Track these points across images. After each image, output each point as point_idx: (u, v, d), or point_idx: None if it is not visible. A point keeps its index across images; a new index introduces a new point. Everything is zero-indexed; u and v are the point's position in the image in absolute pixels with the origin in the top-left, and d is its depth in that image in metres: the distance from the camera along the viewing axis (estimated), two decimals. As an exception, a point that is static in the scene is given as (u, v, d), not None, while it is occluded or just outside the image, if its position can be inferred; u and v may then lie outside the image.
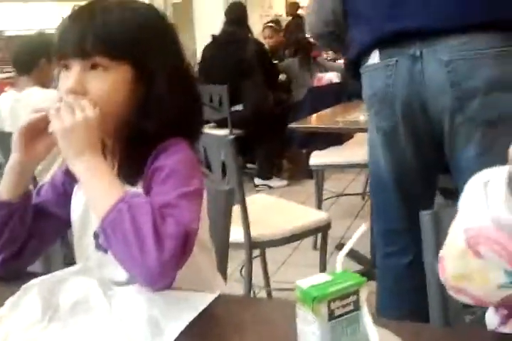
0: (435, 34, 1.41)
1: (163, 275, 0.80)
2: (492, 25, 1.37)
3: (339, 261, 0.67)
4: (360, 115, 2.68)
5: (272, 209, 2.34)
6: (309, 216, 2.22)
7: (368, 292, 0.64)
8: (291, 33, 5.45)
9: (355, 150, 3.11)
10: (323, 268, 2.20)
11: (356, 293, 0.64)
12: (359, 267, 2.78)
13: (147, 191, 0.88)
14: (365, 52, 1.55)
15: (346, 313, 0.63)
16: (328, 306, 0.62)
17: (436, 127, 1.49)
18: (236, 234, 1.98)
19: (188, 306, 0.80)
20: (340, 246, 3.10)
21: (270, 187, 4.39)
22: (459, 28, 1.39)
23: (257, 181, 4.41)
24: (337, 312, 0.62)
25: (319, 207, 3.39)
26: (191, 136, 0.96)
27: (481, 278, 0.64)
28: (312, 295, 0.62)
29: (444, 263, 0.70)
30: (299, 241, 2.41)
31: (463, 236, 0.64)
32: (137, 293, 0.82)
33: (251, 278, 2.03)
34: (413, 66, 1.45)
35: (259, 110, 4.25)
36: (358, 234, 0.68)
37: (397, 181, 1.59)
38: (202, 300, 0.82)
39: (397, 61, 1.47)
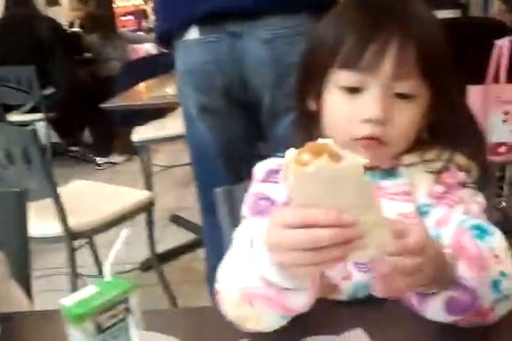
0: (256, 13, 1.42)
1: None
2: (309, 5, 1.41)
3: (107, 268, 0.64)
4: (168, 89, 2.64)
5: (92, 194, 2.25)
6: (132, 196, 2.18)
7: (138, 298, 0.63)
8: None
9: (179, 122, 3.08)
10: (152, 248, 2.19)
11: (125, 300, 0.62)
12: (192, 236, 2.82)
13: None
14: (182, 27, 1.51)
15: (116, 323, 0.61)
16: (95, 320, 0.59)
17: (256, 101, 1.54)
18: (56, 227, 1.90)
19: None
20: (173, 218, 3.11)
21: (114, 163, 4.29)
22: (279, 8, 1.42)
23: (99, 160, 4.29)
24: (105, 325, 0.60)
25: (148, 182, 3.36)
26: None
27: (257, 322, 0.68)
28: (76, 313, 0.59)
29: (222, 301, 0.71)
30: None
31: (236, 290, 0.67)
32: None
33: (75, 271, 1.96)
34: (234, 43, 1.46)
35: (71, 90, 4.05)
36: (122, 239, 0.66)
37: (220, 151, 1.62)
38: None
39: (217, 38, 1.46)
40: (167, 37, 1.58)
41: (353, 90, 0.73)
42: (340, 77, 0.73)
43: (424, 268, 0.57)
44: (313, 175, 0.49)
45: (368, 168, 0.77)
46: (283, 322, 0.68)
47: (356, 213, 0.52)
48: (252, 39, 1.45)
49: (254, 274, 0.63)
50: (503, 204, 2.54)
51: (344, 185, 0.50)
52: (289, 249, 0.54)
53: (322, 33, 0.76)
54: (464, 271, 0.63)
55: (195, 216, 2.89)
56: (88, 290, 0.62)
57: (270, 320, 0.67)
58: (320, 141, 0.52)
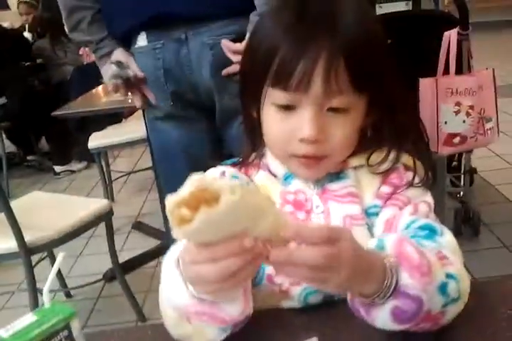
0: (199, 18, 1.42)
1: None
2: (251, 9, 1.40)
3: (45, 295, 0.62)
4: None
5: (49, 206, 2.20)
6: (90, 206, 2.13)
7: (78, 325, 0.60)
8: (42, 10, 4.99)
9: (137, 127, 3.04)
10: (114, 258, 2.15)
11: (66, 327, 0.60)
12: (156, 242, 2.79)
13: None
14: (132, 34, 1.51)
15: (59, 351, 0.59)
16: (33, 352, 0.57)
17: (207, 104, 1.54)
18: (12, 242, 1.84)
19: None
20: (136, 225, 3.06)
21: (72, 171, 4.21)
22: (221, 13, 1.42)
23: (57, 169, 4.19)
24: (46, 354, 0.58)
25: (108, 189, 3.31)
26: None
27: (199, 337, 0.67)
28: (11, 345, 0.56)
29: (164, 321, 0.70)
30: (94, 229, 2.33)
31: (171, 309, 0.67)
32: None
33: (35, 287, 1.91)
34: (180, 49, 1.46)
35: (24, 98, 3.94)
36: (59, 261, 0.63)
37: (183, 151, 1.62)
38: None
39: (163, 44, 1.47)
40: (125, 41, 1.57)
41: (287, 108, 0.72)
42: (273, 95, 0.72)
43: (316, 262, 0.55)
44: (198, 229, 0.50)
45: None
46: (227, 333, 0.67)
47: (253, 229, 0.53)
48: (196, 45, 1.45)
49: (184, 292, 0.63)
50: (461, 193, 2.58)
51: (231, 219, 0.51)
52: (206, 282, 0.56)
53: (255, 43, 0.74)
54: (406, 279, 0.62)
55: (158, 221, 2.87)
56: (26, 319, 0.60)
57: (213, 334, 0.66)
58: (193, 186, 0.51)
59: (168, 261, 0.67)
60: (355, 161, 0.79)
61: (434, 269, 0.64)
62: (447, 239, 0.72)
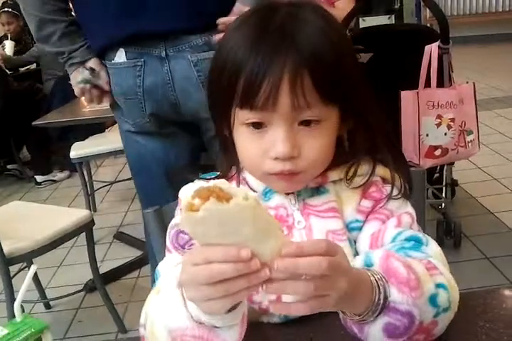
0: (177, 34, 1.40)
1: None
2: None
3: (17, 308, 0.61)
4: (104, 104, 2.58)
5: (29, 216, 2.17)
6: (70, 216, 2.11)
7: (51, 339, 0.59)
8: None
9: (119, 137, 3.01)
10: (95, 268, 2.13)
11: (38, 340, 0.59)
12: (138, 252, 2.77)
13: None
14: (108, 49, 1.48)
15: (30, 366, 0.58)
16: (4, 366, 0.56)
17: (194, 121, 1.53)
18: (-11, 252, 1.82)
19: None
20: (118, 236, 3.04)
21: (54, 181, 4.17)
22: (200, 27, 1.40)
23: (39, 178, 4.14)
24: (17, 369, 0.57)
25: (89, 199, 3.28)
26: None
27: None
28: (-18, 359, 0.55)
29: None
30: (74, 239, 2.31)
31: (165, 334, 0.64)
32: None
33: (13, 297, 1.87)
34: (161, 67, 1.44)
35: (7, 106, 3.89)
36: (31, 274, 0.62)
37: (159, 165, 1.61)
38: None
39: (144, 61, 1.44)
40: (100, 56, 1.55)
41: (257, 125, 0.70)
42: (242, 116, 0.71)
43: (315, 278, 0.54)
44: (202, 219, 0.51)
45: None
46: None
47: (255, 245, 0.53)
48: (178, 63, 1.43)
49: (183, 314, 0.61)
50: (443, 205, 2.60)
51: (237, 223, 0.52)
52: (197, 284, 0.55)
53: (220, 63, 0.72)
54: (395, 294, 0.62)
55: (140, 232, 2.85)
56: (-3, 333, 0.59)
57: None
58: (211, 183, 0.53)
59: (168, 280, 0.66)
60: (334, 175, 0.78)
61: (423, 281, 0.64)
62: (433, 248, 0.73)
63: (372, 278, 0.62)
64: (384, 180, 0.80)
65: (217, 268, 0.53)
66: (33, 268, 0.62)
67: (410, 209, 0.79)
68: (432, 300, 0.64)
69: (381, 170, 0.79)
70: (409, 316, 0.62)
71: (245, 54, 0.68)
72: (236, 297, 0.54)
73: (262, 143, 0.71)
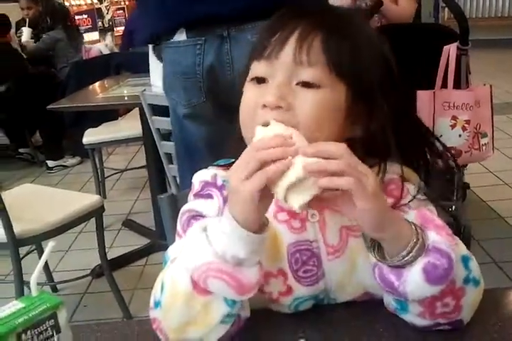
0: (243, 17, 1.40)
1: None
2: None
3: (33, 284, 0.62)
4: (124, 89, 2.60)
5: (40, 199, 2.19)
6: (81, 201, 2.12)
7: (66, 314, 0.60)
8: (47, 0, 4.98)
9: (132, 124, 3.04)
10: (102, 254, 2.14)
11: (53, 317, 0.60)
12: (146, 240, 2.79)
13: None
14: (170, 30, 1.49)
15: (44, 340, 0.59)
16: (19, 339, 0.57)
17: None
18: (1, 233, 1.83)
19: None
20: (126, 223, 3.06)
21: (65, 166, 4.19)
22: (266, 13, 1.41)
23: (50, 163, 4.16)
24: (31, 343, 0.58)
25: (100, 186, 3.29)
26: None
27: (204, 318, 0.67)
28: (-2, 331, 0.56)
29: (161, 323, 0.69)
30: (84, 224, 2.33)
31: (187, 277, 0.66)
32: None
33: (21, 279, 1.90)
34: (221, 45, 1.44)
35: (23, 89, 3.91)
36: (48, 250, 0.63)
37: (209, 151, 1.59)
38: None
39: (205, 40, 1.44)
40: (156, 38, 1.56)
41: (261, 80, 0.74)
42: (252, 69, 0.75)
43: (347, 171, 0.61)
44: None
45: None
46: (226, 322, 0.67)
47: None
48: (239, 42, 1.42)
49: (208, 252, 0.64)
50: (453, 207, 2.59)
51: None
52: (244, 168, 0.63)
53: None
54: (433, 236, 0.65)
55: (148, 220, 2.87)
56: (12, 306, 0.60)
57: (218, 310, 0.66)
58: None
59: (194, 230, 0.69)
60: None
61: (456, 239, 0.67)
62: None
63: (408, 222, 0.67)
64: (403, 179, 0.77)
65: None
66: (50, 245, 0.62)
67: (432, 207, 0.78)
68: (464, 260, 0.67)
69: (398, 169, 0.77)
70: (447, 257, 0.64)
71: (272, 21, 0.76)
72: (271, 177, 0.61)
73: (257, 93, 0.73)
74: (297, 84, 0.71)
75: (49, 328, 0.59)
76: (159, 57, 1.65)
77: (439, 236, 0.65)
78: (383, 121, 0.74)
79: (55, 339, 0.59)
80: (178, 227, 0.81)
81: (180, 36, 1.47)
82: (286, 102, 0.70)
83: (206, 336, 0.68)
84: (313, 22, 0.72)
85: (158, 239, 2.65)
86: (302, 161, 0.61)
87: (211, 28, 1.43)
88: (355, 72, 0.72)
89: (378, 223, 0.64)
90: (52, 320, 0.60)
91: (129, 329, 0.78)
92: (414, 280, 0.64)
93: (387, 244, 0.66)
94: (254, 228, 0.64)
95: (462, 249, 0.68)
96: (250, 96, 0.75)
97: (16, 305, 0.60)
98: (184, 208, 0.81)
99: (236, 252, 0.64)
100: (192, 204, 0.81)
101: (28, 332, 0.58)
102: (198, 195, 0.81)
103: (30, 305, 0.60)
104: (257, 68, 0.74)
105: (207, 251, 0.65)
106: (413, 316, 0.69)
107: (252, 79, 0.75)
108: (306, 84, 0.71)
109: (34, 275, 0.62)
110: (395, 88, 0.75)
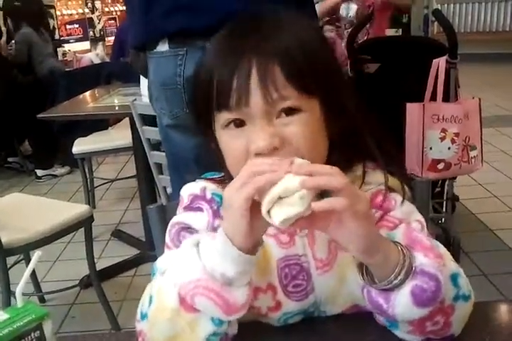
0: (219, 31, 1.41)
1: None
2: None
3: (18, 294, 0.61)
4: (115, 99, 2.60)
5: (29, 208, 2.17)
6: (70, 210, 2.11)
7: (52, 326, 0.59)
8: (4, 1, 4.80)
9: (123, 134, 3.03)
10: (92, 264, 2.12)
11: (38, 328, 0.59)
12: (135, 251, 2.77)
13: None
14: (152, 40, 1.50)
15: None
16: (4, 350, 0.56)
17: None
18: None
19: None
20: (116, 233, 3.04)
21: (54, 176, 4.16)
22: None
23: (39, 172, 4.13)
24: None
25: (89, 195, 3.28)
26: None
27: (189, 335, 0.66)
28: (-19, 343, 0.55)
29: (146, 336, 0.69)
30: (72, 234, 2.31)
31: (174, 292, 0.65)
32: None
33: (9, 289, 1.87)
34: (202, 56, 1.45)
35: (10, 96, 3.88)
36: (34, 260, 0.62)
37: (196, 161, 1.55)
38: None
39: (186, 51, 1.45)
40: (141, 48, 1.58)
41: (238, 123, 0.70)
42: (221, 118, 0.71)
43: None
44: None
45: None
46: (215, 337, 0.67)
47: None
48: None
49: (197, 268, 0.64)
50: (443, 220, 2.60)
51: None
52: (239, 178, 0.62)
53: (196, 73, 0.77)
54: (421, 258, 0.64)
55: (138, 231, 2.85)
56: (-2, 318, 0.59)
57: (203, 329, 0.66)
58: None
59: (185, 244, 0.68)
60: None
61: (445, 257, 0.66)
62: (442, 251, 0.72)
63: (395, 244, 0.66)
64: (390, 189, 0.77)
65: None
66: (36, 255, 0.62)
67: (419, 216, 0.78)
68: (454, 278, 0.66)
69: (388, 179, 0.77)
70: (435, 279, 0.63)
71: (214, 59, 0.73)
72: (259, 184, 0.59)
73: (243, 141, 0.70)
74: (278, 116, 0.69)
75: (34, 339, 0.59)
76: (137, 68, 1.67)
77: (426, 258, 0.64)
78: (352, 123, 0.74)
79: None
80: (167, 239, 0.81)
81: (163, 46, 1.49)
82: (277, 139, 0.68)
83: None
84: (264, 53, 0.68)
85: (148, 249, 2.64)
86: (292, 176, 0.59)
87: (192, 39, 1.44)
88: (321, 85, 0.71)
89: (367, 247, 0.63)
90: (38, 332, 0.59)
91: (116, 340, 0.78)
92: (402, 303, 0.64)
93: (375, 268, 0.65)
94: (247, 248, 0.63)
95: (451, 267, 0.67)
96: (236, 144, 0.71)
97: (1, 315, 0.59)
98: (173, 220, 0.81)
99: (225, 270, 0.63)
100: (181, 216, 0.80)
101: (14, 343, 0.57)
102: (187, 208, 0.80)
103: (15, 316, 0.59)
104: (228, 115, 0.70)
105: (196, 267, 0.64)
106: (403, 333, 0.69)
107: (227, 125, 0.71)
108: (286, 111, 0.69)
109: (20, 286, 0.61)
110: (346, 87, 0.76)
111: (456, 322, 0.68)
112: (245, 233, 0.62)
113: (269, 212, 0.59)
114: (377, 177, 0.77)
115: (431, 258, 0.64)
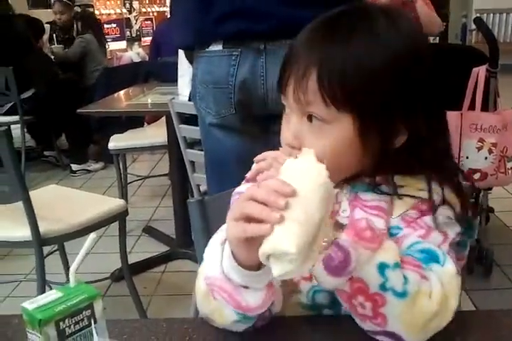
0: (280, 33, 1.39)
1: None
2: None
3: (72, 274, 0.63)
4: (152, 97, 2.64)
5: (65, 200, 2.22)
6: (105, 204, 2.15)
7: (101, 306, 0.62)
8: (80, 6, 5.08)
9: (158, 132, 3.07)
10: (124, 258, 2.16)
11: (90, 307, 0.61)
12: (165, 248, 2.80)
13: None
14: (207, 41, 1.50)
15: (80, 330, 0.60)
16: (57, 326, 0.58)
17: (277, 113, 1.56)
18: (25, 231, 1.86)
19: None
20: (147, 229, 3.08)
21: (89, 171, 4.24)
22: (303, 27, 1.44)
23: (74, 167, 4.22)
24: (68, 331, 0.59)
25: (123, 191, 3.33)
26: None
27: (219, 317, 0.72)
28: (37, 318, 0.58)
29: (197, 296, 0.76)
30: (105, 228, 2.36)
31: (204, 284, 0.73)
32: None
33: (44, 277, 1.92)
34: (257, 58, 1.44)
35: (51, 93, 3.98)
36: (88, 243, 0.65)
37: (236, 160, 1.56)
38: None
39: (241, 52, 1.45)
40: (191, 48, 1.59)
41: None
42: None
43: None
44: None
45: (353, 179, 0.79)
46: (243, 323, 0.71)
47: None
48: (275, 56, 1.42)
49: (218, 266, 0.69)
50: (476, 231, 2.56)
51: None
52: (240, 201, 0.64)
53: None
54: (341, 236, 0.66)
55: (169, 228, 2.89)
56: (51, 295, 0.61)
57: (230, 316, 0.70)
58: None
59: (214, 240, 0.74)
60: (399, 180, 0.77)
61: (386, 248, 0.67)
62: (447, 269, 0.71)
63: None
64: (444, 201, 0.77)
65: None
66: (92, 236, 0.64)
67: (451, 232, 0.76)
68: (381, 268, 0.66)
69: (446, 191, 0.77)
70: (344, 252, 0.64)
71: (289, 49, 0.81)
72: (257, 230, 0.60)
73: (285, 128, 0.78)
74: (309, 119, 0.74)
75: (85, 318, 0.61)
76: (191, 62, 1.67)
77: (345, 235, 0.66)
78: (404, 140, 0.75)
79: (91, 329, 0.61)
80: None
81: (216, 46, 1.48)
82: (298, 142, 0.74)
83: (229, 327, 0.73)
84: (308, 61, 0.73)
85: (178, 247, 2.68)
86: (281, 230, 0.58)
87: (247, 41, 1.44)
88: (359, 105, 0.71)
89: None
90: (89, 310, 0.62)
91: (157, 326, 0.79)
92: (318, 271, 0.66)
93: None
94: (249, 266, 0.66)
95: (386, 257, 0.67)
96: (282, 133, 0.79)
97: (53, 294, 0.62)
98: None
99: (233, 277, 0.68)
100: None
101: (66, 321, 0.59)
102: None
103: (68, 294, 0.62)
104: (283, 101, 0.78)
105: (216, 266, 0.69)
106: (354, 318, 0.71)
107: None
108: (310, 118, 0.73)
109: (74, 266, 0.64)
110: (415, 101, 0.74)
111: (393, 318, 0.67)
112: (245, 257, 0.65)
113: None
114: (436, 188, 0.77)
115: (350, 235, 0.66)
